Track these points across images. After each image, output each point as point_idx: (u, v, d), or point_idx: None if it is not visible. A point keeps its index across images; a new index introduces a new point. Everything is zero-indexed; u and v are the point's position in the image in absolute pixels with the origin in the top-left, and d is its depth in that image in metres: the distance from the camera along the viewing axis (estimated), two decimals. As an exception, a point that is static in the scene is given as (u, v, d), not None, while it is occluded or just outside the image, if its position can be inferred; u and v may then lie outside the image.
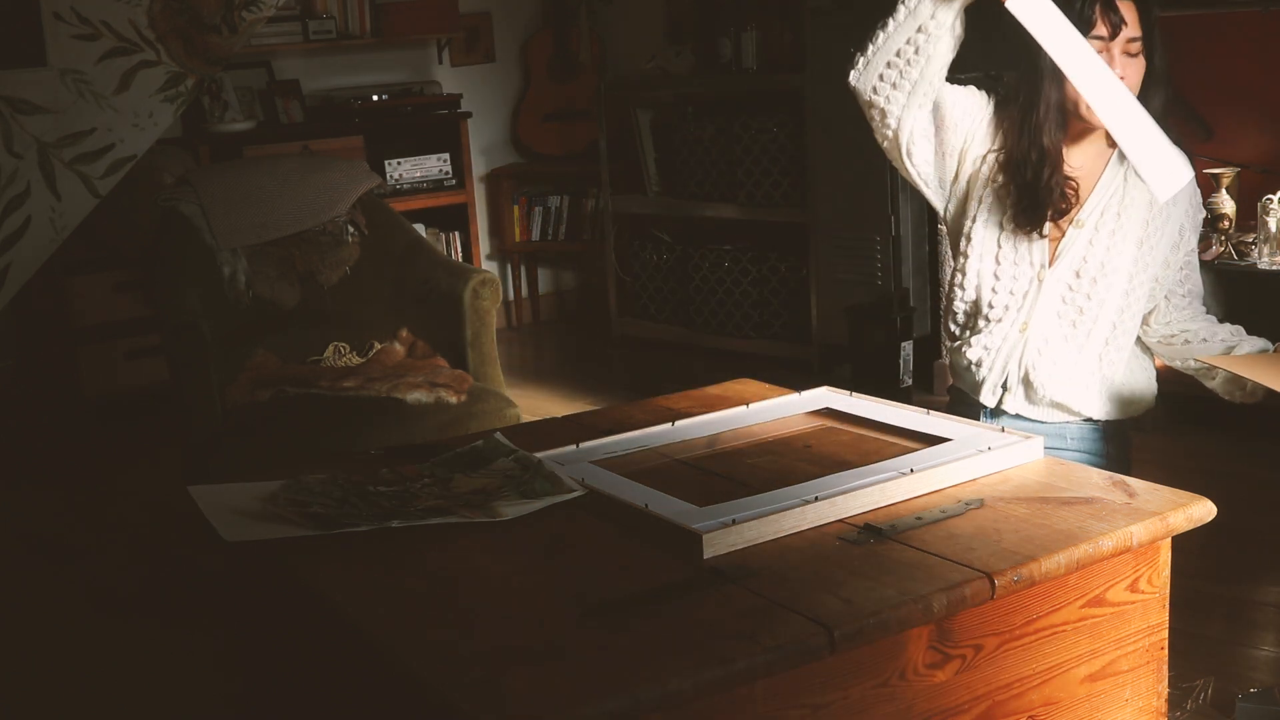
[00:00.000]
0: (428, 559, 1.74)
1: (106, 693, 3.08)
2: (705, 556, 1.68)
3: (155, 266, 3.85)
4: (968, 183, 2.39)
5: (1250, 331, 2.38)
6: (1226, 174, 4.05)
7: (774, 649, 1.45)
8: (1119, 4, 2.24)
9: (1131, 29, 2.23)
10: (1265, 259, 3.87)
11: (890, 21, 2.23)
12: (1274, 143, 4.28)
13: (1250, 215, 4.01)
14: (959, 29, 2.22)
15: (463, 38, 6.30)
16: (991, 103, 2.39)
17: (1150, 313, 2.42)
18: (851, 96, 2.33)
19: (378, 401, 3.44)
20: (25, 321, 5.44)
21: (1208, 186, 4.08)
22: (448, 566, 1.72)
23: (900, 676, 1.59)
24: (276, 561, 1.80)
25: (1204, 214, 2.45)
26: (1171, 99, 2.32)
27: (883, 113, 2.30)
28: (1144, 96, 2.25)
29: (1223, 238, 3.97)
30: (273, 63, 5.82)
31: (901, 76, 2.25)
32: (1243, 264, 3.89)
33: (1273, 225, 3.88)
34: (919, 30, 2.20)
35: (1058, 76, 2.25)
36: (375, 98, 5.83)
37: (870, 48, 2.26)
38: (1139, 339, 2.44)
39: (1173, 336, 2.43)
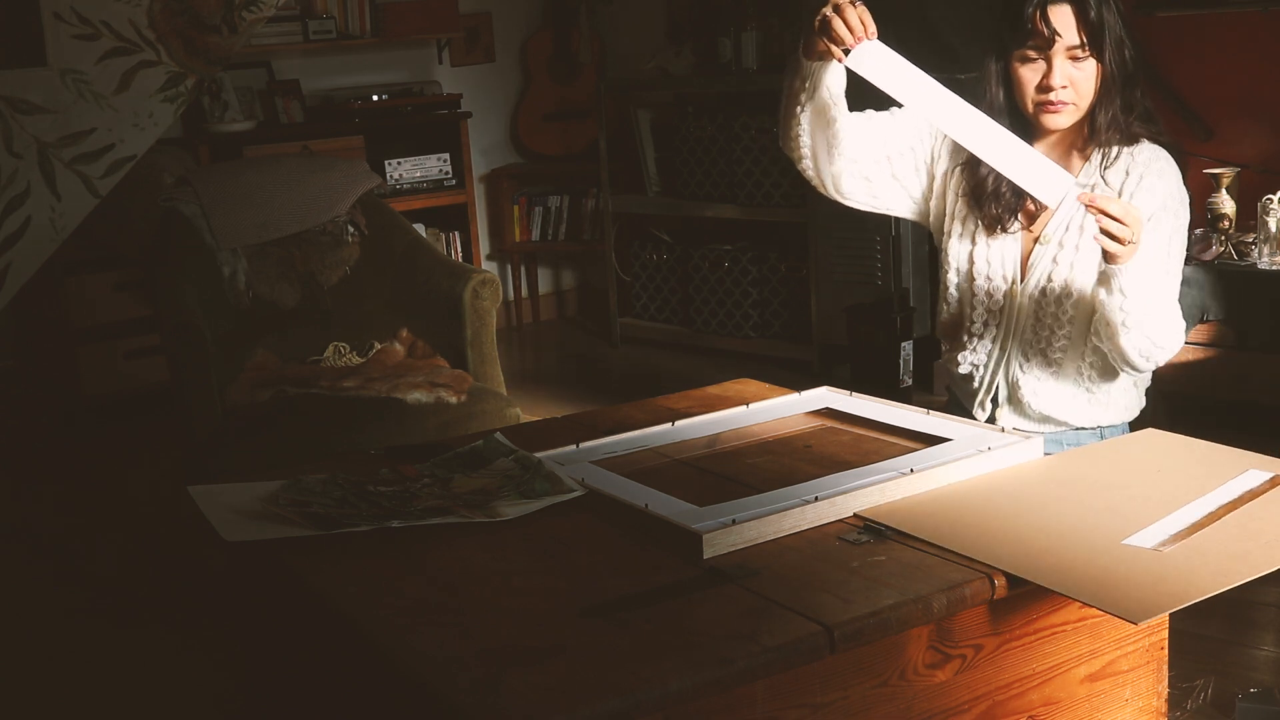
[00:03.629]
0: (427, 559, 1.74)
1: (106, 692, 3.08)
2: (705, 556, 1.68)
3: (155, 266, 3.85)
4: (941, 198, 2.41)
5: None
6: (1226, 174, 4.04)
7: (774, 649, 1.45)
8: (1053, 12, 2.19)
9: (1069, 37, 2.19)
10: (1265, 259, 3.87)
11: (784, 88, 2.28)
12: (1274, 143, 4.27)
13: (1250, 215, 4.01)
14: (832, 86, 2.23)
15: (463, 38, 6.29)
16: None
17: None
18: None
19: (378, 401, 3.44)
20: (25, 321, 5.44)
21: (1208, 186, 4.08)
22: (447, 566, 1.72)
23: (900, 676, 1.59)
24: (276, 561, 1.80)
25: (1184, 214, 2.30)
26: (1135, 101, 2.26)
27: (805, 167, 2.35)
28: (1101, 101, 2.23)
29: (1223, 238, 3.97)
30: (273, 63, 5.82)
31: (805, 135, 2.29)
32: (1243, 264, 3.89)
33: (1273, 225, 3.88)
34: (801, 93, 2.25)
35: (1004, 78, 2.27)
36: (375, 98, 5.83)
37: (780, 114, 2.32)
38: None
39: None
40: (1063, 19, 2.19)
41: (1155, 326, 2.18)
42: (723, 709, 1.44)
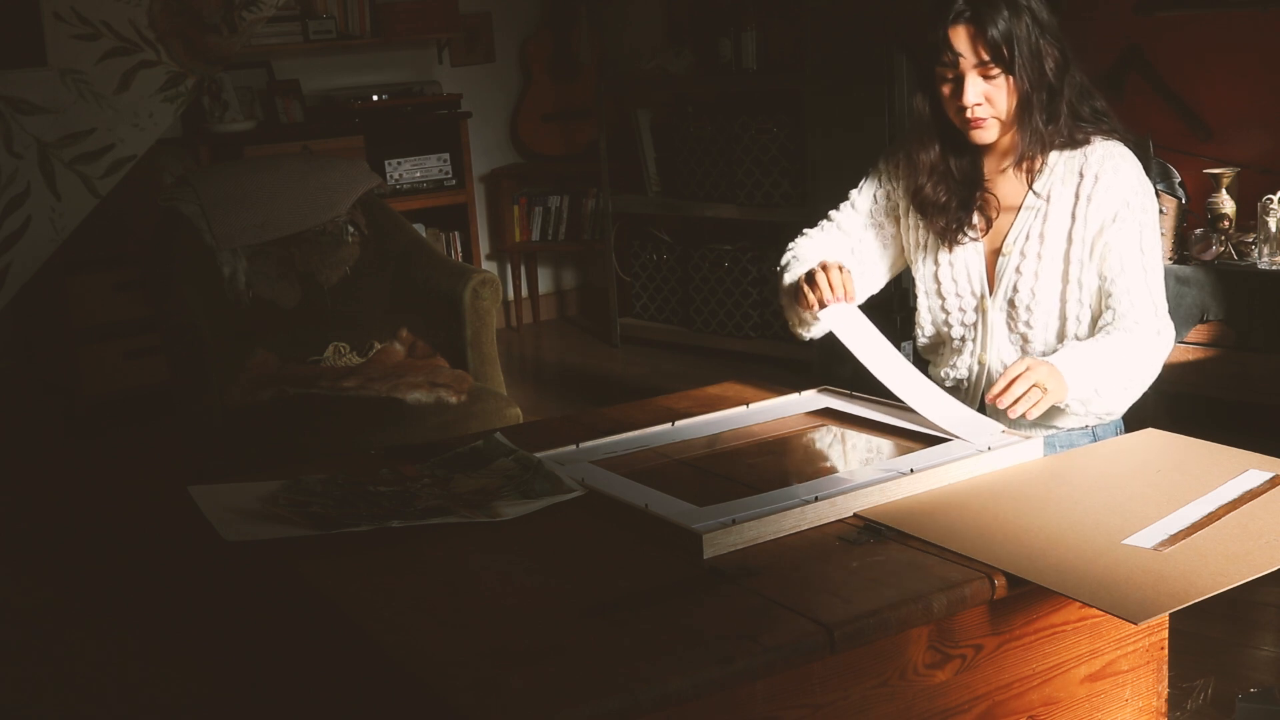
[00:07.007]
0: (428, 559, 1.74)
1: (105, 693, 3.08)
2: (705, 556, 1.68)
3: (155, 266, 3.85)
4: (907, 236, 2.47)
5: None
6: (1226, 174, 4.04)
7: (774, 649, 1.45)
8: (953, 32, 2.20)
9: (971, 56, 2.20)
10: (1265, 259, 3.87)
11: (782, 297, 2.46)
12: (1274, 143, 4.27)
13: (1250, 215, 4.01)
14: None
15: (463, 38, 6.29)
16: (896, 159, 2.46)
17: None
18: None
19: (378, 401, 3.44)
20: (25, 321, 5.44)
21: (1208, 186, 4.08)
22: (448, 566, 1.72)
23: (900, 676, 1.59)
24: (276, 561, 1.80)
25: (1151, 205, 2.29)
26: (1059, 110, 2.24)
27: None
28: (1020, 114, 2.23)
29: (1223, 238, 3.97)
30: (273, 63, 5.82)
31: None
32: (1243, 264, 3.89)
33: (1273, 225, 3.88)
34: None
35: (931, 94, 2.30)
36: (375, 98, 5.83)
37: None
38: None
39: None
40: (962, 39, 2.20)
41: (1134, 379, 2.24)
42: (723, 709, 1.44)
